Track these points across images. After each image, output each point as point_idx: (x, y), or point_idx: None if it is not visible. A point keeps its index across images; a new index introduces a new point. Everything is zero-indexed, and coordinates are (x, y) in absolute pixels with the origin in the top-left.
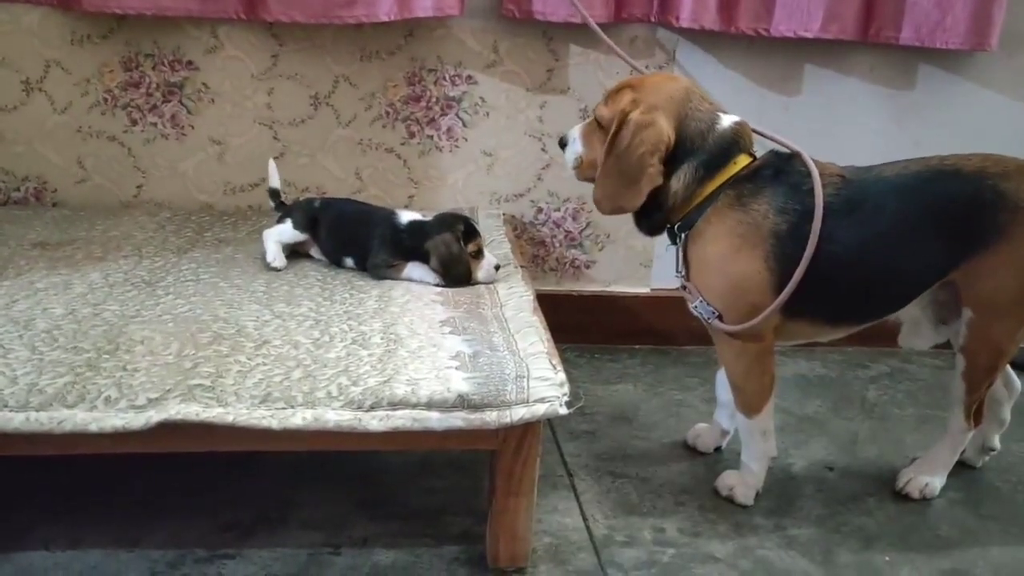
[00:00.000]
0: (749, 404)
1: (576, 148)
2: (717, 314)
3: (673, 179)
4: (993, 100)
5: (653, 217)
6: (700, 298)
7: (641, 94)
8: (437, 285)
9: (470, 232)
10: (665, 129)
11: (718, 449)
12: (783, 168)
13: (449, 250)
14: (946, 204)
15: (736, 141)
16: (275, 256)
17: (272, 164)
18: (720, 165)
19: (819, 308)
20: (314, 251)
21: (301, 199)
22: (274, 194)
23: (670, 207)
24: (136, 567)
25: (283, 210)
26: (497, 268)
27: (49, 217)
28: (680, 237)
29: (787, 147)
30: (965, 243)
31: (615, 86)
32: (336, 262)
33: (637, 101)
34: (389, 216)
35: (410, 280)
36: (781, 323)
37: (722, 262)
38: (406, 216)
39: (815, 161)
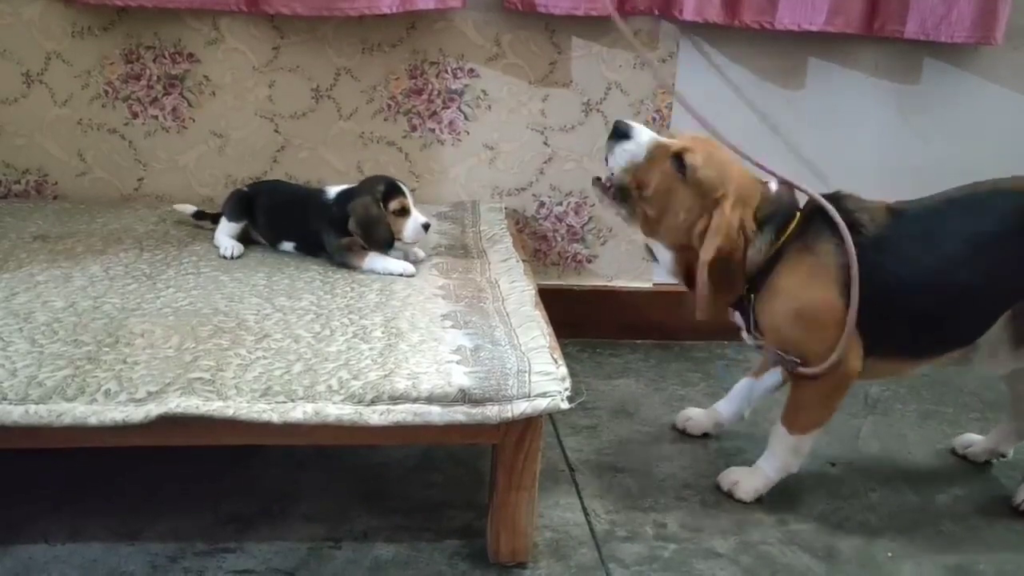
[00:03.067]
0: (799, 424)
1: (638, 153)
2: (800, 362)
3: (750, 252)
4: (998, 94)
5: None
6: (778, 351)
7: (730, 188)
8: (403, 275)
9: (390, 192)
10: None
11: (706, 435)
12: (838, 206)
13: (367, 212)
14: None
15: (790, 202)
16: (227, 247)
17: (179, 207)
18: (784, 227)
19: (900, 342)
20: (254, 234)
21: (233, 190)
22: (200, 215)
23: (749, 278)
24: (136, 560)
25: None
26: (426, 227)
27: (50, 210)
28: (750, 299)
29: (807, 193)
30: None
31: (702, 155)
32: (274, 246)
33: (730, 197)
34: (318, 194)
35: (373, 272)
36: (871, 363)
37: (798, 304)
38: (333, 190)
39: (858, 199)
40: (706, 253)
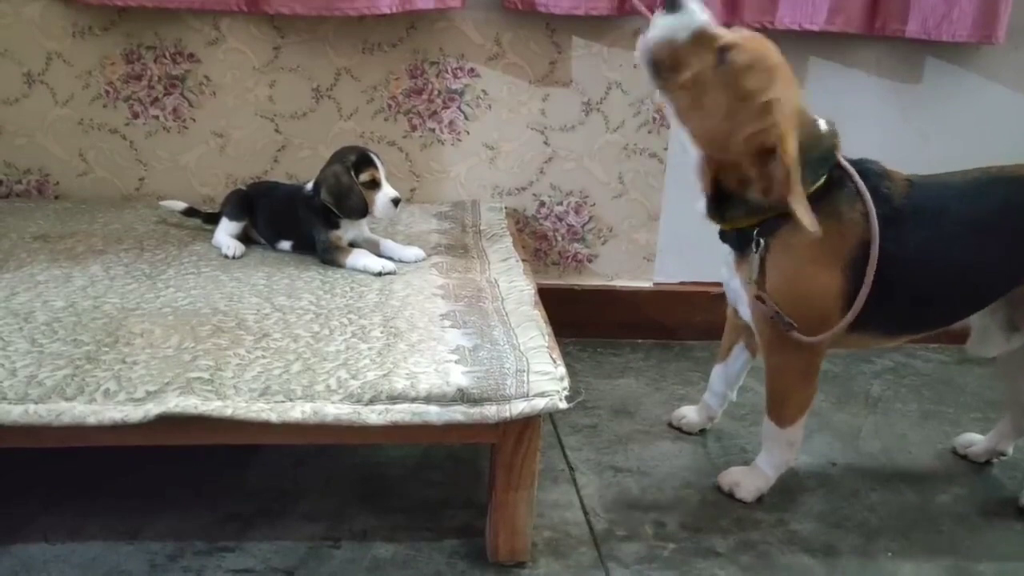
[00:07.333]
0: (786, 415)
1: (681, 31)
2: (795, 325)
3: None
4: (999, 93)
5: (736, 208)
6: (776, 308)
7: (781, 93)
8: (380, 274)
9: (362, 162)
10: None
11: (703, 431)
12: (864, 173)
13: (338, 181)
14: (1016, 211)
15: (831, 147)
16: (229, 247)
17: (167, 203)
18: (821, 172)
19: (885, 317)
20: (253, 233)
21: (232, 190)
22: (189, 212)
23: (763, 206)
24: (136, 559)
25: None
26: (396, 202)
27: (51, 210)
28: (759, 244)
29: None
30: None
31: (749, 55)
32: (273, 245)
33: (783, 104)
34: (300, 189)
35: (355, 269)
36: (845, 335)
37: (807, 271)
38: (310, 182)
39: (882, 168)
40: (787, 146)
